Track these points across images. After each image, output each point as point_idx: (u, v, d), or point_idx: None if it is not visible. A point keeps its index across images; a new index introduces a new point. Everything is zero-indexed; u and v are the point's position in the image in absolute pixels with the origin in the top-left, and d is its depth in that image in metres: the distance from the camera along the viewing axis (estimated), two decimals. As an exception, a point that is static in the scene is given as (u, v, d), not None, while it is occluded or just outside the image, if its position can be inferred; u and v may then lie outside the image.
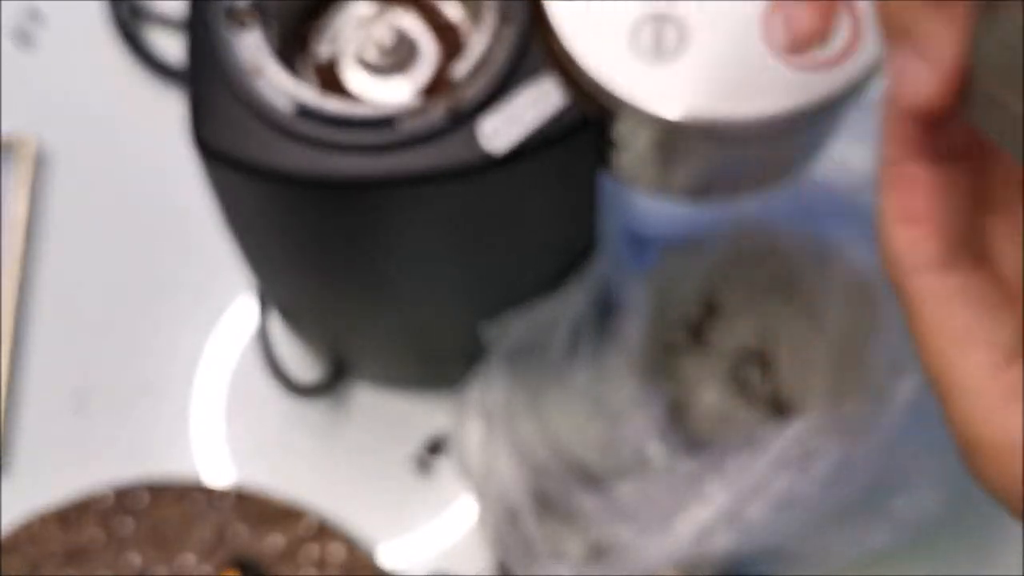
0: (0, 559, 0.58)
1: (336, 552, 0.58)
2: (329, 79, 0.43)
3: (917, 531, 0.52)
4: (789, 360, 0.63)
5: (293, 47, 0.44)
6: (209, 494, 0.59)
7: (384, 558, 0.60)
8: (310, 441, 0.63)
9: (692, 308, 0.64)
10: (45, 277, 0.68)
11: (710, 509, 0.49)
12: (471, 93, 0.39)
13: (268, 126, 0.39)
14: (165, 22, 0.74)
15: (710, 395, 0.63)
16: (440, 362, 0.60)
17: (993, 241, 0.28)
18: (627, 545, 0.50)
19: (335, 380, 0.63)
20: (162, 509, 0.59)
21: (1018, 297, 0.27)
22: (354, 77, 0.43)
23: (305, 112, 0.39)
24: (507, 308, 0.53)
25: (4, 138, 0.69)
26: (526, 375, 0.56)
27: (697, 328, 0.64)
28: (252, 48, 0.39)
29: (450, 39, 0.44)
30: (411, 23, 0.44)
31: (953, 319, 0.27)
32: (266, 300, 0.57)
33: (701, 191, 0.44)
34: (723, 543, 0.49)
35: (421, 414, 0.63)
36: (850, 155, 0.58)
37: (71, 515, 0.59)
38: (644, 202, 0.61)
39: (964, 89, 0.24)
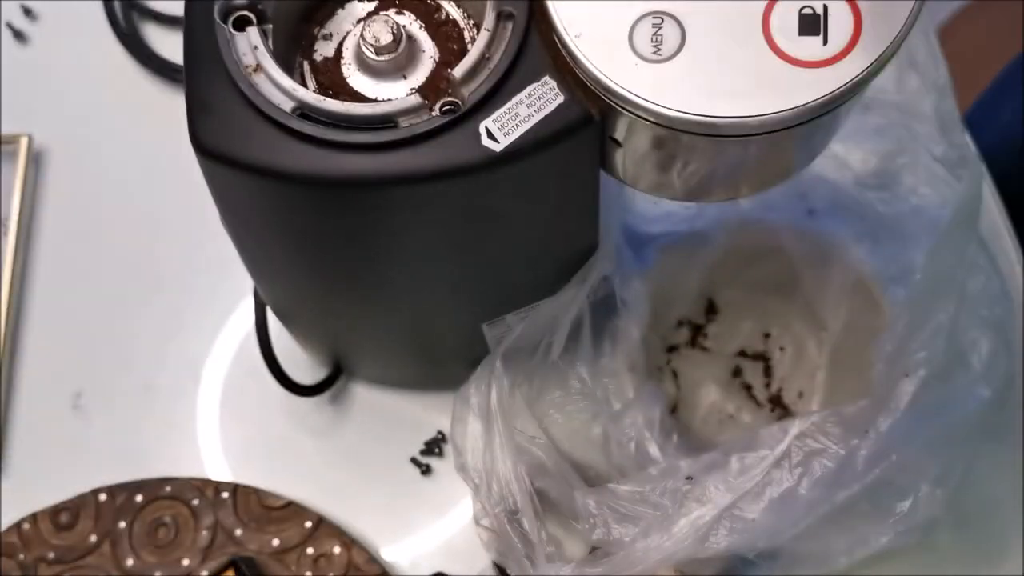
0: (-1, 559, 0.59)
1: (335, 552, 0.58)
2: (329, 79, 0.43)
3: (917, 531, 0.52)
4: (789, 360, 0.63)
5: (293, 47, 0.44)
6: (207, 494, 0.59)
7: (384, 558, 0.60)
8: (310, 441, 0.63)
9: (692, 308, 0.64)
10: (42, 277, 0.68)
11: (710, 509, 0.49)
12: (471, 93, 0.39)
13: (267, 126, 0.39)
14: (162, 20, 0.74)
15: (710, 395, 0.63)
16: (440, 362, 0.60)
17: None
18: (627, 545, 0.50)
19: (335, 380, 0.63)
20: (160, 509, 0.59)
21: None
22: (354, 77, 0.43)
23: (304, 112, 0.39)
24: (507, 308, 0.53)
25: None
26: (526, 375, 0.56)
27: (697, 328, 0.64)
28: (251, 47, 0.39)
29: (450, 39, 0.43)
30: (411, 23, 0.44)
31: None
32: (265, 300, 0.57)
33: (701, 191, 0.44)
34: (723, 543, 0.49)
35: (421, 414, 0.63)
36: (850, 155, 0.58)
37: (67, 515, 0.59)
38: (644, 202, 0.61)
39: None
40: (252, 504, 0.59)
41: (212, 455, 0.63)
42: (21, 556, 0.58)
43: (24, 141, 0.68)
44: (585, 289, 0.52)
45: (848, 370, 0.60)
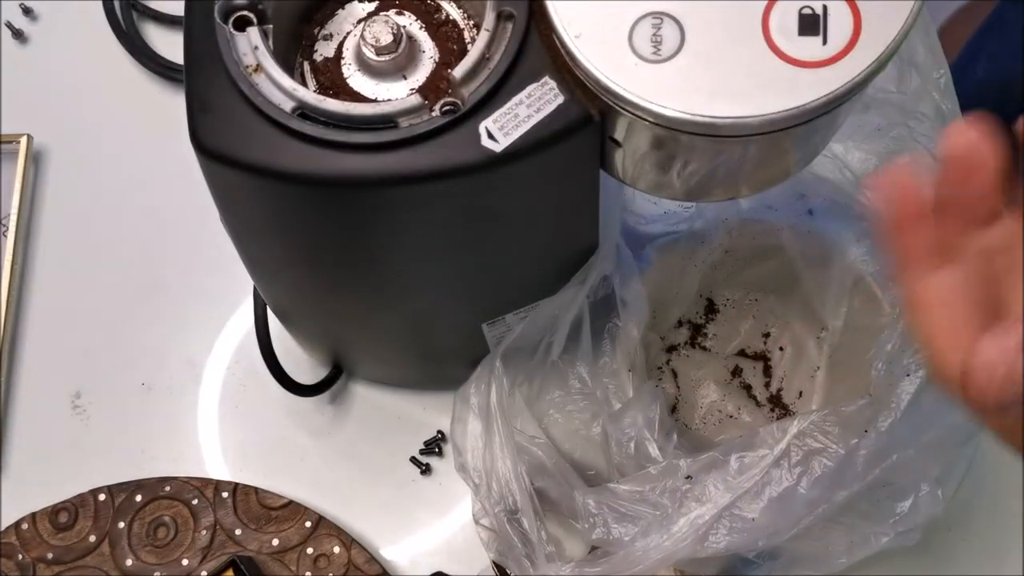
0: (-1, 559, 0.58)
1: (335, 552, 0.58)
2: (329, 79, 0.43)
3: (917, 531, 0.52)
4: (789, 360, 0.63)
5: (293, 47, 0.44)
6: (207, 494, 0.59)
7: (384, 558, 0.60)
8: (310, 441, 0.63)
9: (692, 308, 0.64)
10: (42, 277, 0.68)
11: (709, 509, 0.49)
12: (471, 93, 0.39)
13: (267, 126, 0.39)
14: (162, 20, 0.74)
15: (710, 395, 0.63)
16: (440, 362, 0.60)
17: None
18: (627, 544, 0.50)
19: (335, 380, 0.63)
20: (159, 509, 0.59)
21: None
22: (354, 77, 0.43)
23: (305, 112, 0.39)
24: (507, 308, 0.53)
25: None
26: (526, 375, 0.56)
27: (697, 328, 0.64)
28: (251, 47, 0.39)
29: (450, 39, 0.43)
30: (411, 23, 0.44)
31: None
32: (265, 300, 0.57)
33: (701, 191, 0.44)
34: (723, 543, 0.49)
35: (421, 414, 0.63)
36: (850, 155, 0.58)
37: (66, 515, 0.59)
38: (644, 202, 0.61)
39: None
40: (252, 504, 0.59)
41: (212, 455, 0.63)
42: (20, 556, 0.58)
43: (24, 141, 0.68)
44: (585, 289, 0.52)
45: (848, 370, 0.60)
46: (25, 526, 0.59)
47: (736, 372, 0.63)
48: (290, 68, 0.43)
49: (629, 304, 0.55)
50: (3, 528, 0.59)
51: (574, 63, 0.38)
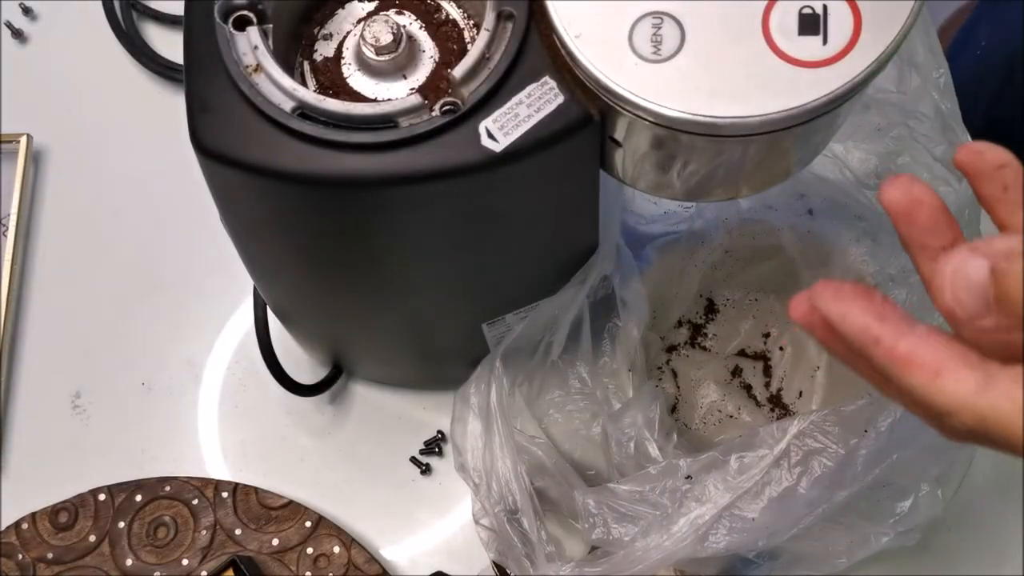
0: (-1, 559, 0.58)
1: (335, 552, 0.58)
2: (329, 79, 0.43)
3: (917, 531, 0.52)
4: (789, 360, 0.63)
5: (293, 47, 0.44)
6: (207, 494, 0.59)
7: (384, 558, 0.60)
8: (310, 441, 0.63)
9: (692, 308, 0.64)
10: (41, 276, 0.68)
11: (709, 508, 0.49)
12: (471, 93, 0.39)
13: (267, 126, 0.39)
14: (162, 20, 0.74)
15: (710, 395, 0.63)
16: (440, 362, 0.60)
17: None
18: (627, 544, 0.50)
19: (335, 380, 0.63)
20: (159, 509, 0.59)
21: None
22: (354, 77, 0.43)
23: (305, 112, 0.39)
24: (507, 308, 0.53)
25: None
26: (526, 375, 0.56)
27: (697, 328, 0.64)
28: (251, 47, 0.39)
29: (450, 39, 0.43)
30: (411, 23, 0.44)
31: None
32: (265, 300, 0.57)
33: (701, 191, 0.44)
34: (723, 543, 0.49)
35: (421, 414, 0.63)
36: (850, 155, 0.58)
37: (66, 515, 0.59)
38: (643, 202, 0.61)
39: None
40: (252, 504, 0.59)
41: (212, 455, 0.63)
42: (20, 556, 0.58)
43: (24, 140, 0.68)
44: (585, 289, 0.52)
45: (848, 370, 0.60)
46: (25, 526, 0.59)
47: (736, 372, 0.63)
48: (290, 68, 0.43)
49: (629, 304, 0.55)
50: (3, 528, 0.59)
51: (574, 63, 0.38)
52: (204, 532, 0.59)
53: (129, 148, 0.71)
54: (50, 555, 0.59)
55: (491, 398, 0.54)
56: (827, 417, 0.50)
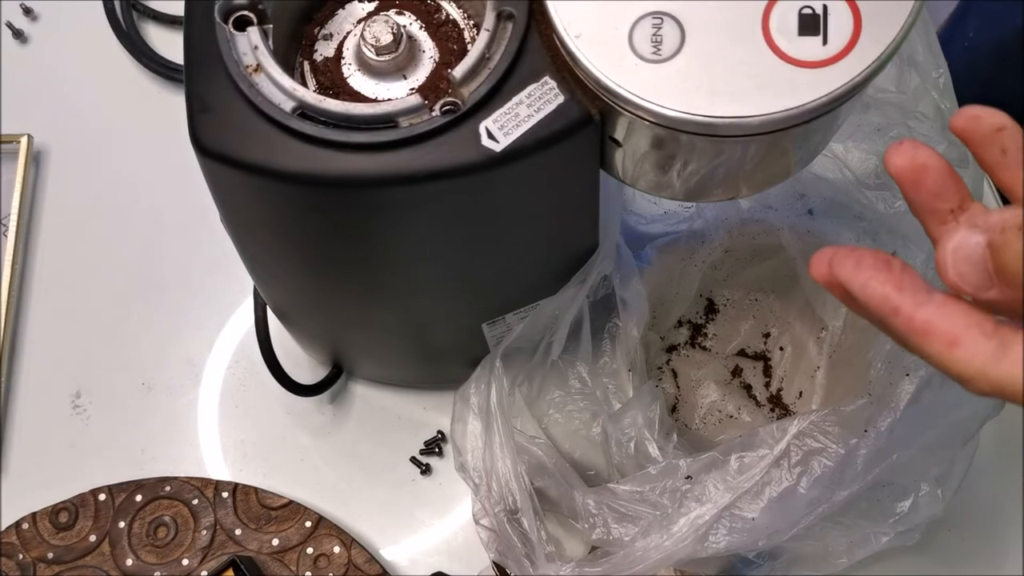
0: (-1, 559, 0.58)
1: (335, 552, 0.58)
2: (329, 79, 0.43)
3: (917, 531, 0.52)
4: (789, 360, 0.63)
5: (293, 47, 0.44)
6: (207, 494, 0.59)
7: (384, 558, 0.60)
8: (310, 441, 0.63)
9: (692, 308, 0.64)
10: (42, 276, 0.68)
11: (709, 508, 0.49)
12: (471, 93, 0.39)
13: (267, 126, 0.39)
14: (162, 20, 0.74)
15: (710, 395, 0.63)
16: (440, 362, 0.60)
17: None
18: (627, 544, 0.50)
19: (335, 380, 0.63)
20: (159, 509, 0.59)
21: None
22: (354, 77, 0.43)
23: (305, 112, 0.39)
24: (507, 308, 0.53)
25: None
26: (526, 375, 0.56)
27: (697, 328, 0.64)
28: (251, 47, 0.39)
29: (450, 39, 0.43)
30: (411, 23, 0.44)
31: None
32: (265, 300, 0.57)
33: (701, 191, 0.44)
34: (723, 543, 0.49)
35: (421, 414, 0.63)
36: (850, 155, 0.58)
37: (66, 515, 0.59)
38: (644, 201, 0.61)
39: None
40: (252, 504, 0.59)
41: (212, 455, 0.63)
42: (20, 556, 0.58)
43: (24, 141, 0.68)
44: (585, 289, 0.52)
45: (848, 370, 0.60)
46: (25, 526, 0.59)
47: (736, 372, 0.63)
48: (290, 68, 0.43)
49: (629, 304, 0.55)
50: (3, 528, 0.59)
51: (574, 63, 0.38)
52: (204, 532, 0.59)
53: (129, 148, 0.71)
54: (50, 555, 0.59)
55: (491, 398, 0.54)
56: (827, 417, 0.50)
